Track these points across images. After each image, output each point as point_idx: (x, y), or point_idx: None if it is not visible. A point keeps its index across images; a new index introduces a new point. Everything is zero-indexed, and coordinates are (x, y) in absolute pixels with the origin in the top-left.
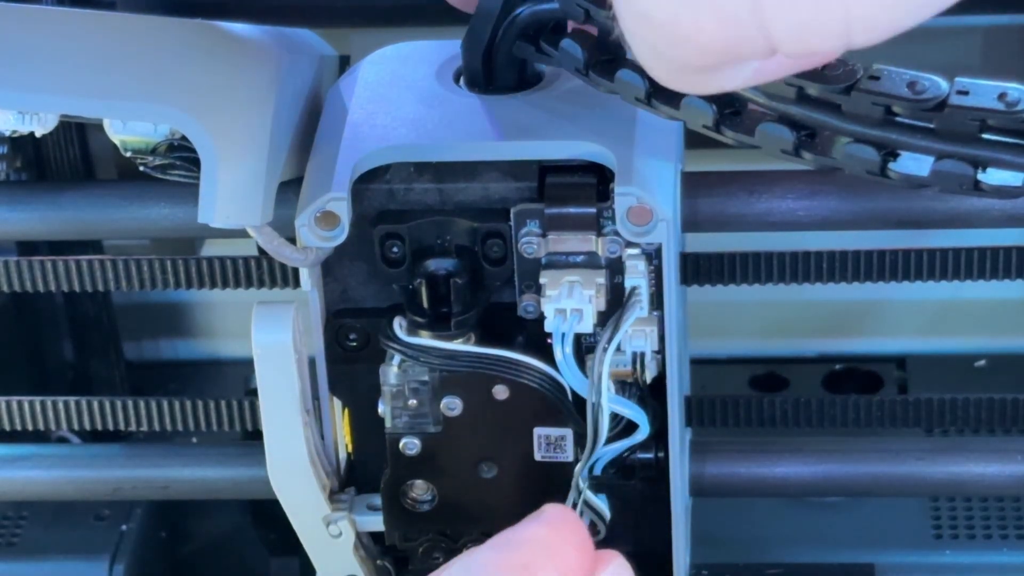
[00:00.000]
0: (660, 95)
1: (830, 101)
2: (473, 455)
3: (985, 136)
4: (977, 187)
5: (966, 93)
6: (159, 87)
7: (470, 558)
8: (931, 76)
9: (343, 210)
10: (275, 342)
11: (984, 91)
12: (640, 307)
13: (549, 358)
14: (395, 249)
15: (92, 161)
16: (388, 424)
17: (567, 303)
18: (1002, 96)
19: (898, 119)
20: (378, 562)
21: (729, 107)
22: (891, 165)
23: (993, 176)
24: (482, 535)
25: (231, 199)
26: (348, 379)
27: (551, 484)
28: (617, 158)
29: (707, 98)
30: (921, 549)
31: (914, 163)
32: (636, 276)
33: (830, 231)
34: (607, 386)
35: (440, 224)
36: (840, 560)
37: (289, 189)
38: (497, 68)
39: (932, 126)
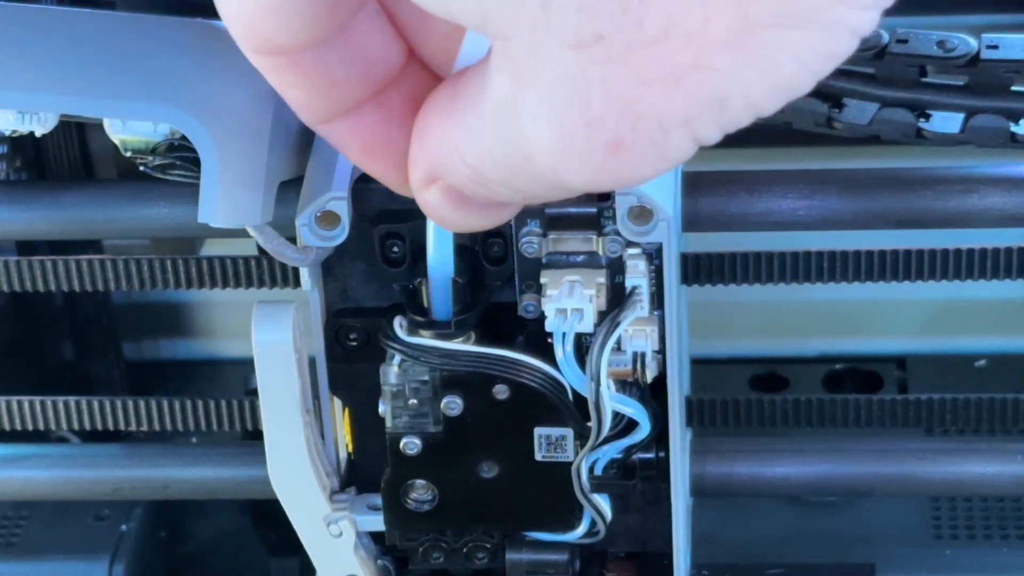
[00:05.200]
0: None
1: (860, 68)
2: (474, 455)
3: (1016, 88)
4: (1014, 139)
5: (995, 47)
6: (159, 87)
7: None
8: (958, 34)
9: (343, 209)
10: (275, 342)
11: (1013, 43)
12: (640, 306)
13: (550, 358)
14: (395, 248)
15: (92, 161)
16: (388, 424)
17: (568, 303)
18: None
19: (928, 80)
20: (378, 562)
21: None
22: (924, 125)
23: None
24: (483, 535)
25: (231, 199)
26: (348, 379)
27: (552, 484)
28: None
29: None
30: (921, 549)
31: (947, 122)
32: (637, 276)
33: (830, 231)
34: (606, 377)
35: None
36: (840, 560)
37: (289, 189)
38: None
39: (962, 83)
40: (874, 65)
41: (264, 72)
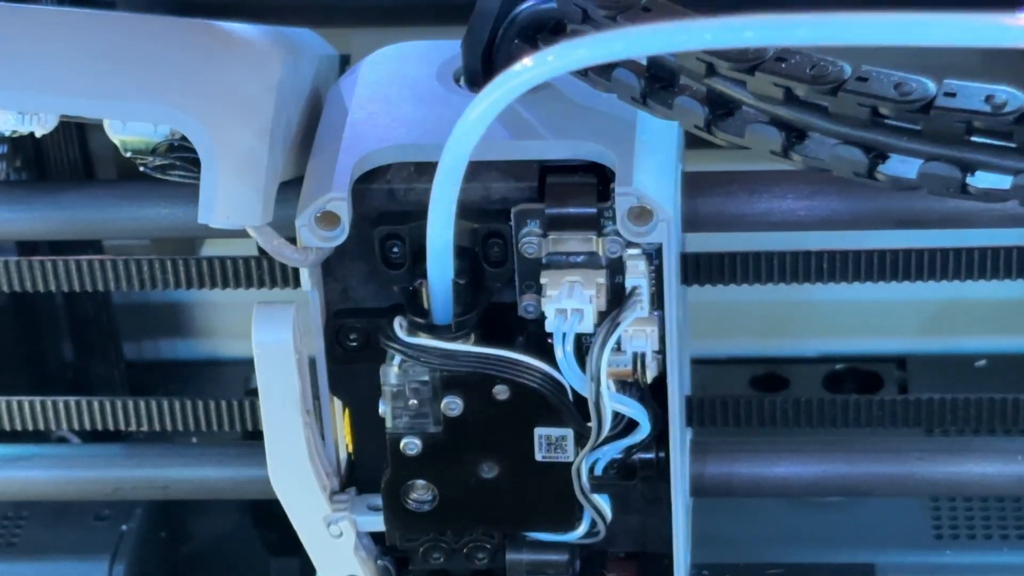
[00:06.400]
0: (654, 95)
1: (818, 102)
2: (474, 455)
3: (972, 139)
4: (964, 190)
5: (953, 95)
6: (159, 87)
7: None
8: (919, 78)
9: (343, 210)
10: (275, 342)
11: (971, 93)
12: (640, 307)
13: (550, 358)
14: (395, 250)
15: (92, 161)
16: (389, 424)
17: (568, 303)
18: (989, 98)
19: (886, 121)
20: (378, 562)
21: (721, 108)
22: (880, 167)
23: (981, 179)
24: (483, 535)
25: (231, 199)
26: (348, 379)
27: (552, 484)
28: (618, 158)
29: (699, 99)
30: (921, 549)
31: (902, 165)
32: (636, 276)
33: (830, 231)
34: (606, 377)
35: None
36: (840, 560)
37: (289, 189)
38: (497, 68)
39: (919, 128)
40: (828, 100)
41: None
